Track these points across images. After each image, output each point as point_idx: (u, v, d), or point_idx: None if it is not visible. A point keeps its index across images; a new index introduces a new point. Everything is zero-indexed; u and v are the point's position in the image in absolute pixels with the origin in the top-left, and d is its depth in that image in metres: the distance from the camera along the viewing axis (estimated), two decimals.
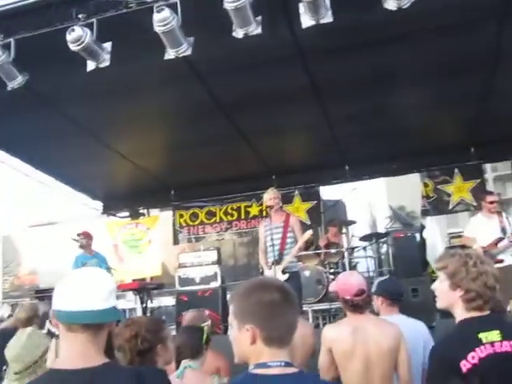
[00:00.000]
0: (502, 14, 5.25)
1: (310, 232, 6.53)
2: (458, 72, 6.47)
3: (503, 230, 7.30)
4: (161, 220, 11.10)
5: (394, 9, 4.19)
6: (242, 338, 1.77)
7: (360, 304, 3.53)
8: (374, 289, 4.29)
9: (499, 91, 6.97)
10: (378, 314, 4.27)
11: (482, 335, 2.29)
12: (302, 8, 4.30)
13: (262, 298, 1.78)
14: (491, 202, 7.48)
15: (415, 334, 3.84)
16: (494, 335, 2.29)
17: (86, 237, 8.19)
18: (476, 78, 6.71)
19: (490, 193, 8.07)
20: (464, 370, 2.22)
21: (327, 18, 4.28)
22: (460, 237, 8.40)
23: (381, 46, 5.86)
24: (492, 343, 2.27)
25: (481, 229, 7.39)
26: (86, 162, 8.47)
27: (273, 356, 1.76)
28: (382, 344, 3.42)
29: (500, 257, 7.01)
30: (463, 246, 6.97)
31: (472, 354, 2.24)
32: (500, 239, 7.20)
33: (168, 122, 7.55)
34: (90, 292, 1.81)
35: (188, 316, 5.04)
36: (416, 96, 7.12)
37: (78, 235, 8.16)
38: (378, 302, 4.24)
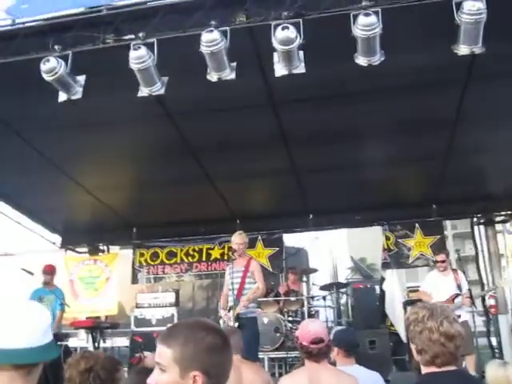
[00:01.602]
0: (466, 76, 5.49)
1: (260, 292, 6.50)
2: (423, 130, 6.69)
3: (459, 287, 7.55)
4: (120, 258, 10.88)
5: (365, 65, 4.34)
6: None
7: (314, 352, 3.46)
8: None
9: (460, 151, 7.22)
10: (334, 364, 4.24)
11: None
12: (276, 57, 4.42)
13: (209, 342, 1.64)
14: (439, 261, 7.78)
15: None
16: None
17: (51, 272, 7.91)
18: (439, 136, 6.94)
19: (440, 252, 8.33)
20: None
21: (300, 68, 4.40)
22: (417, 291, 8.51)
23: (350, 101, 6.03)
24: None
25: (437, 285, 7.59)
26: (48, 193, 8.30)
27: None
28: None
29: (457, 312, 7.18)
30: (420, 300, 7.10)
31: None
32: (456, 295, 7.43)
33: (135, 159, 7.51)
34: (23, 325, 1.50)
35: (150, 358, 4.87)
36: (382, 151, 7.31)
37: (44, 272, 7.83)
38: (333, 353, 4.22)
